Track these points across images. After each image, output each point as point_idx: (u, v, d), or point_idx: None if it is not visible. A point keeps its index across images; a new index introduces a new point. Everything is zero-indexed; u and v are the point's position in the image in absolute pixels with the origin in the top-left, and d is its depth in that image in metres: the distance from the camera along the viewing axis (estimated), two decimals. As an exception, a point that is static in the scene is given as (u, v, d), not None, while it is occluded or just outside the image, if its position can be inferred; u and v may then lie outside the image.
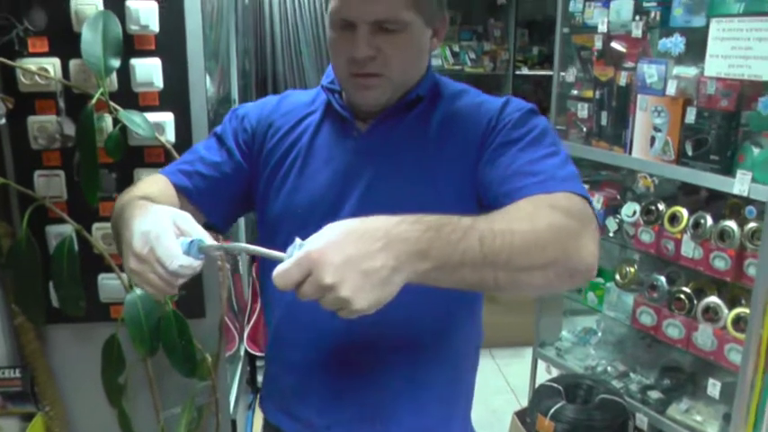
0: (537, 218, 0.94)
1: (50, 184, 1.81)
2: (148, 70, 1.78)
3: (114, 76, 1.76)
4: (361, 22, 1.13)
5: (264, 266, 1.29)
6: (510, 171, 1.11)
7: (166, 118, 1.80)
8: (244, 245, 1.03)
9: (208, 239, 1.00)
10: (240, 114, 1.36)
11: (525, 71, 4.95)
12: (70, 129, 1.76)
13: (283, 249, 0.88)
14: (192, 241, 0.99)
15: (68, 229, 1.81)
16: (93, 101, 1.65)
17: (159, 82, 1.79)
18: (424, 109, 1.25)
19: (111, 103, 1.71)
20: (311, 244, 0.83)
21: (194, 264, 0.99)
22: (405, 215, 0.87)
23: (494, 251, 0.87)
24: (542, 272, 0.92)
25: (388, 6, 1.13)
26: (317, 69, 4.16)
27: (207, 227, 1.19)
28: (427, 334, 1.23)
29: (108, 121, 1.76)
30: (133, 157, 1.82)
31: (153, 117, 1.77)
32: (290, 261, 0.84)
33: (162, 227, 0.99)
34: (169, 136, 1.80)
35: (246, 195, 1.34)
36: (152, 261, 0.97)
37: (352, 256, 0.82)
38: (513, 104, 1.23)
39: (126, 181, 1.84)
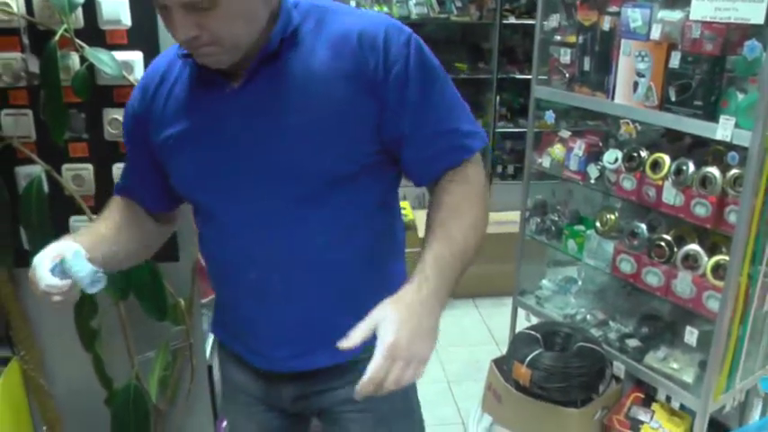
0: (473, 223, 1.23)
1: (18, 124, 1.78)
2: (115, 7, 1.72)
3: (80, 12, 1.71)
4: (172, 5, 1.10)
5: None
6: (424, 135, 1.24)
7: (135, 57, 1.75)
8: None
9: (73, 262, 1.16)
10: (129, 104, 1.39)
11: (512, 20, 4.87)
12: (35, 66, 1.71)
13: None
14: (55, 265, 1.16)
15: (37, 169, 1.78)
16: (56, 37, 1.60)
17: (127, 19, 1.74)
18: (294, 39, 1.23)
19: (77, 41, 1.66)
20: (384, 336, 1.05)
21: (59, 284, 1.15)
22: (418, 278, 1.13)
23: (466, 264, 1.21)
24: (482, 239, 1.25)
25: None
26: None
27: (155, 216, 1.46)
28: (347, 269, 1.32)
29: (75, 59, 1.72)
30: (102, 97, 1.78)
31: (121, 56, 1.72)
32: (379, 362, 1.04)
33: (41, 255, 1.19)
34: (138, 75, 1.75)
35: (161, 174, 1.38)
36: (33, 282, 1.17)
37: (415, 334, 1.06)
38: (394, 42, 1.21)
39: (95, 121, 1.80)
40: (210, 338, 2.31)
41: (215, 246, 1.38)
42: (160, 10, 1.15)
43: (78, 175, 1.81)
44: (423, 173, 1.29)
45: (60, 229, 1.83)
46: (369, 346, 1.07)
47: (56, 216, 1.80)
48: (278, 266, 1.29)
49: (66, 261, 1.16)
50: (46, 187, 1.77)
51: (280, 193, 1.24)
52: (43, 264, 1.16)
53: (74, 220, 1.85)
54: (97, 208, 1.84)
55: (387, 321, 1.06)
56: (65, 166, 1.81)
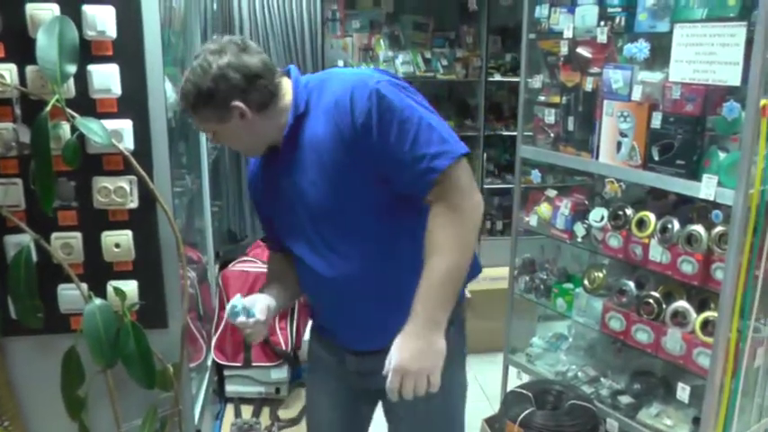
0: (450, 245, 1.47)
1: (8, 193, 1.79)
2: (106, 76, 1.75)
3: (71, 82, 1.73)
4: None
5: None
6: (394, 171, 1.50)
7: (125, 125, 1.77)
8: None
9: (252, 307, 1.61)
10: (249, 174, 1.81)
11: (498, 77, 4.95)
12: (26, 136, 1.73)
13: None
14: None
15: (26, 238, 1.78)
16: (48, 108, 1.62)
17: (117, 88, 1.77)
18: (305, 121, 1.57)
19: (68, 110, 1.68)
20: (392, 361, 1.46)
21: (246, 321, 1.59)
22: (412, 314, 1.47)
23: (455, 279, 1.49)
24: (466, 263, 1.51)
25: (198, 124, 1.61)
26: (287, 76, 4.14)
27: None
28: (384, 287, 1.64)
29: (66, 128, 1.74)
30: (91, 165, 1.79)
31: (111, 124, 1.75)
32: (390, 378, 1.46)
33: (233, 302, 1.60)
34: (127, 143, 1.77)
35: None
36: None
37: (415, 354, 1.45)
38: (358, 101, 1.48)
39: (85, 189, 1.81)
40: (200, 403, 2.29)
41: (297, 269, 1.72)
42: None
43: (67, 243, 1.81)
44: (415, 199, 1.52)
45: (48, 299, 1.83)
46: None
47: (44, 285, 1.79)
48: (337, 283, 1.62)
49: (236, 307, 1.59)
50: (35, 256, 1.77)
51: (323, 232, 1.61)
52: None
53: (62, 288, 1.84)
54: (86, 276, 1.85)
55: (393, 350, 1.46)
56: (54, 235, 1.81)
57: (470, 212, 1.49)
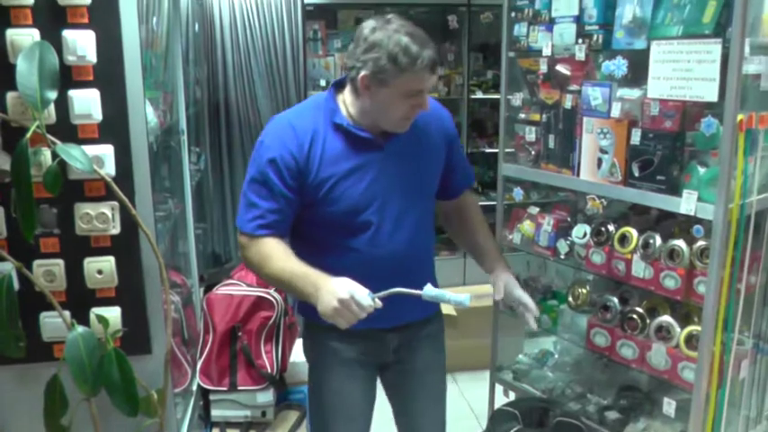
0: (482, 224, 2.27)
1: (-12, 221, 1.77)
2: (87, 102, 1.75)
3: (52, 107, 1.73)
4: (425, 89, 1.88)
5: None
6: (458, 162, 2.21)
7: (106, 151, 1.77)
8: (395, 289, 1.79)
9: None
10: (276, 159, 1.89)
11: (480, 95, 4.99)
12: (7, 163, 1.71)
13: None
14: (368, 294, 1.74)
15: (8, 266, 1.76)
16: (28, 135, 1.61)
17: (98, 114, 1.76)
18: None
19: (49, 137, 1.67)
20: (515, 287, 2.15)
21: (375, 304, 1.75)
22: (501, 257, 2.24)
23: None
24: None
25: (431, 79, 1.89)
26: (269, 97, 4.15)
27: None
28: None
29: (47, 154, 1.73)
30: (73, 191, 1.79)
31: (92, 150, 1.74)
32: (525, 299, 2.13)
33: (353, 286, 1.73)
34: (109, 169, 1.76)
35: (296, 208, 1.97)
36: (351, 302, 1.71)
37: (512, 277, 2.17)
38: (449, 119, 2.20)
39: (67, 215, 1.80)
40: (185, 428, 2.27)
41: (364, 247, 1.95)
42: (411, 96, 1.86)
43: (49, 270, 1.80)
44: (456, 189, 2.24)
45: (30, 327, 1.81)
46: (437, 311, 2.25)
47: (26, 313, 1.78)
48: (409, 253, 2.01)
49: (371, 293, 1.76)
50: (16, 284, 1.76)
51: (416, 205, 2.03)
52: (362, 292, 1.74)
53: (44, 316, 1.83)
54: (69, 303, 1.83)
55: (510, 279, 2.17)
56: (36, 262, 1.80)
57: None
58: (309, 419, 2.35)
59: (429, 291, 1.81)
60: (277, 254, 1.90)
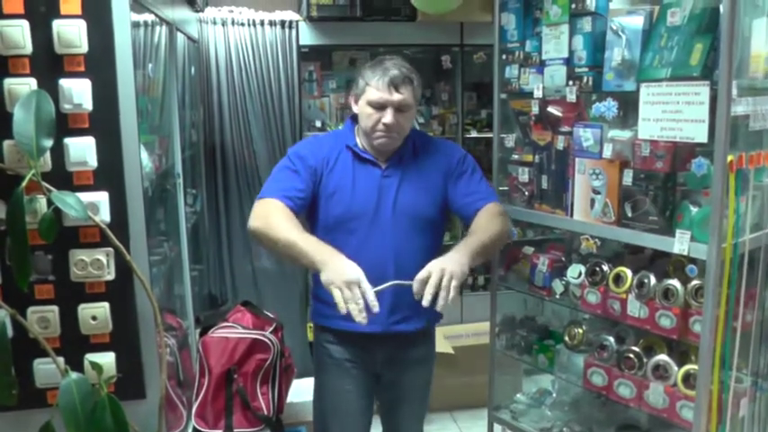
0: (496, 226, 2.17)
1: (-18, 268, 1.77)
2: (82, 149, 1.77)
3: (48, 155, 1.75)
4: (392, 105, 2.15)
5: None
6: (468, 190, 2.29)
7: (101, 197, 1.79)
8: (390, 282, 1.97)
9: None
10: (302, 155, 2.22)
11: (474, 134, 5.01)
12: (2, 211, 1.73)
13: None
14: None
15: (2, 314, 1.76)
16: (24, 183, 1.62)
17: (93, 161, 1.78)
18: (413, 148, 2.30)
19: (44, 184, 1.69)
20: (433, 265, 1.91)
21: (373, 303, 1.83)
22: (458, 249, 2.02)
23: (488, 247, 2.13)
24: (501, 242, 2.24)
25: (406, 97, 2.16)
26: (265, 138, 4.18)
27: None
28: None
29: (42, 202, 1.74)
30: (68, 238, 1.80)
31: (87, 196, 1.75)
32: (423, 270, 1.90)
33: (360, 273, 1.86)
34: (104, 215, 1.78)
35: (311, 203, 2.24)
36: (356, 286, 1.82)
37: (444, 262, 1.91)
38: (459, 149, 2.43)
39: (62, 262, 1.81)
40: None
41: (351, 251, 1.98)
42: (375, 107, 2.15)
43: (44, 317, 1.80)
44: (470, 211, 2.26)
45: (23, 373, 1.80)
46: (432, 320, 2.36)
47: (19, 359, 1.77)
48: (396, 263, 2.16)
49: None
50: (10, 331, 1.75)
51: (402, 223, 2.19)
52: (366, 281, 1.86)
53: (38, 362, 1.82)
54: (63, 349, 1.83)
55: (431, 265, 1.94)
56: (30, 309, 1.81)
57: (505, 221, 2.26)
58: (313, 419, 2.48)
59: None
60: (293, 221, 2.06)
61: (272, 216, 2.06)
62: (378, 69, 2.17)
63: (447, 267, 1.88)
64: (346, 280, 1.83)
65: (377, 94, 2.15)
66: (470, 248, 2.03)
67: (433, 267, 1.88)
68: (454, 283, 1.87)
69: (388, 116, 2.14)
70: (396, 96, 2.14)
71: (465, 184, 2.29)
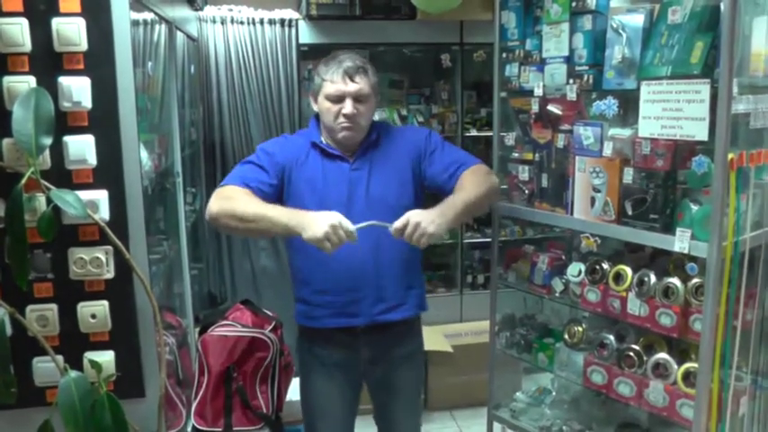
0: (480, 183, 2.23)
1: (-19, 267, 1.77)
2: (81, 147, 1.76)
3: (47, 153, 1.74)
4: (349, 95, 2.20)
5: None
6: (444, 165, 2.30)
7: (100, 195, 1.78)
8: (371, 222, 2.03)
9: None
10: (270, 152, 2.27)
11: (474, 132, 5.01)
12: (1, 209, 1.72)
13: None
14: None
15: (1, 312, 1.75)
16: (23, 181, 1.61)
17: (93, 159, 1.78)
18: (377, 139, 2.33)
19: (44, 182, 1.68)
20: (412, 216, 1.98)
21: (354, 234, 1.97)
22: (441, 207, 2.07)
23: (470, 207, 2.17)
24: (488, 199, 2.31)
25: (362, 87, 2.22)
26: (264, 137, 4.17)
27: None
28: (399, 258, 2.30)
29: (41, 200, 1.73)
30: (67, 236, 1.79)
31: (86, 195, 1.75)
32: (401, 218, 1.99)
33: (336, 213, 1.96)
34: (103, 213, 1.78)
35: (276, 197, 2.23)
36: (338, 227, 1.92)
37: (422, 217, 1.97)
38: (422, 129, 2.47)
39: (61, 260, 1.80)
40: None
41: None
42: (333, 100, 2.20)
43: (43, 315, 1.80)
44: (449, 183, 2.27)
45: (22, 372, 1.80)
46: (420, 312, 2.42)
47: (18, 358, 1.77)
48: (377, 257, 2.22)
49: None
50: (9, 329, 1.75)
51: (378, 214, 2.10)
52: (347, 220, 1.96)
53: (37, 361, 1.82)
54: (62, 348, 1.83)
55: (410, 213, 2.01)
56: (29, 307, 1.80)
57: (491, 177, 2.35)
58: (303, 419, 2.54)
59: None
60: (255, 199, 2.11)
61: (235, 197, 2.10)
62: (332, 63, 2.22)
63: (422, 223, 1.96)
64: (331, 224, 1.91)
65: (333, 87, 2.19)
66: (453, 208, 2.08)
67: (411, 220, 1.97)
68: (423, 241, 1.97)
69: (347, 106, 2.18)
70: (351, 86, 2.19)
71: (439, 159, 2.31)
